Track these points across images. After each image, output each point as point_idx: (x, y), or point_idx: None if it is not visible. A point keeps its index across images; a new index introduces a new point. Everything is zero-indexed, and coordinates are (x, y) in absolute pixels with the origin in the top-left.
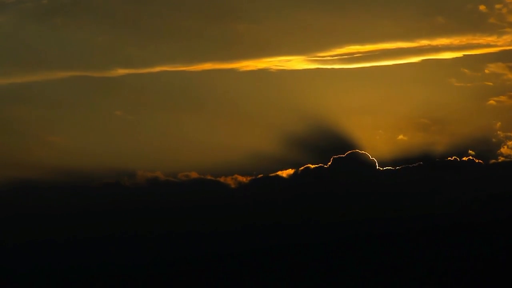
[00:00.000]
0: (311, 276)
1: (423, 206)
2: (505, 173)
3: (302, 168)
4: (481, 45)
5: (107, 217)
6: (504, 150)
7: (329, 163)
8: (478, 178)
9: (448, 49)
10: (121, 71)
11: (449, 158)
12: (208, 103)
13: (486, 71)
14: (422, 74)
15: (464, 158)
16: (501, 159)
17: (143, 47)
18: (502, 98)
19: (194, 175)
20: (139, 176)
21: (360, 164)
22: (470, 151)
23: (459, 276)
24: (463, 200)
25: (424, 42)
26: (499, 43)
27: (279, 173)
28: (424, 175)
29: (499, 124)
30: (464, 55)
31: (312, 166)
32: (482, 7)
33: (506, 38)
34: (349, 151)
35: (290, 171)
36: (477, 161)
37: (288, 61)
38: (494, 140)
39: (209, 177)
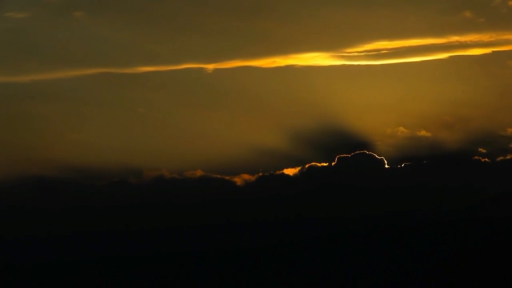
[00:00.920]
0: (317, 272)
1: (444, 201)
2: None
3: (335, 161)
4: (510, 41)
5: (115, 214)
6: None
7: (350, 159)
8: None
9: (476, 45)
10: (144, 68)
11: (476, 157)
12: (229, 100)
13: None
14: (449, 71)
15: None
16: None
17: (167, 43)
18: None
19: (199, 173)
20: (144, 175)
21: (373, 162)
22: (499, 149)
23: (469, 272)
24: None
25: (452, 38)
26: None
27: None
28: (438, 173)
29: None
30: (493, 51)
31: (330, 164)
32: (511, 3)
33: None
34: (357, 151)
35: (325, 163)
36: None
37: (314, 57)
38: None
39: (215, 175)
